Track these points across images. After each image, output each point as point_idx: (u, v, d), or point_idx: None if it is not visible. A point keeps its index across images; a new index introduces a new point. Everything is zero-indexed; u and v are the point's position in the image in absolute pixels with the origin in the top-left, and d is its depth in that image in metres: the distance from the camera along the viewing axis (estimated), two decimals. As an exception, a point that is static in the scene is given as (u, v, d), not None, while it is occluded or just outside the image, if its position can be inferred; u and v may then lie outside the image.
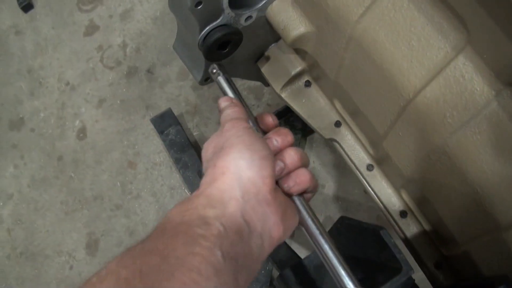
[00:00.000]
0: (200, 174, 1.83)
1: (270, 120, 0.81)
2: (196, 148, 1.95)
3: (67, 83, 2.26)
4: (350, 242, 0.91)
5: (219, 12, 0.91)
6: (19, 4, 2.47)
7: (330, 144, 1.05)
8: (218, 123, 1.97)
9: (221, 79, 0.89)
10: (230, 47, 0.99)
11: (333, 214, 1.80)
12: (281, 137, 0.75)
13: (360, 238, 0.88)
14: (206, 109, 2.05)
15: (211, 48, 0.94)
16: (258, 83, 2.02)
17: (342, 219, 0.93)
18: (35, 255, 2.03)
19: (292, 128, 1.82)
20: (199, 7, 0.86)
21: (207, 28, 0.92)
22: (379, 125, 0.89)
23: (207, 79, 1.09)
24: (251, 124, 0.78)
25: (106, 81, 2.21)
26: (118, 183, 2.04)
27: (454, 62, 0.71)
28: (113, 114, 2.15)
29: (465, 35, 0.70)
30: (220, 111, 0.83)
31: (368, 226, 0.83)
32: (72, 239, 2.01)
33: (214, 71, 0.90)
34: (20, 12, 2.49)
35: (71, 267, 1.97)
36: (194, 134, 2.04)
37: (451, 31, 0.72)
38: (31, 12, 2.49)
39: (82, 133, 2.15)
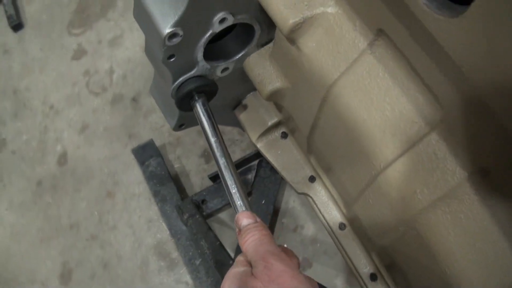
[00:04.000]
0: (179, 212, 1.79)
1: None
2: (176, 181, 1.92)
3: (51, 107, 2.23)
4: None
5: (193, 63, 0.89)
6: (10, 23, 2.45)
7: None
8: (200, 156, 1.93)
9: (199, 108, 0.88)
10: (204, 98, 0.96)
11: (311, 256, 1.76)
12: None
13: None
14: (189, 141, 2.02)
15: (184, 99, 0.91)
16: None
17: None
18: (9, 282, 1.98)
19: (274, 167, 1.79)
20: (171, 60, 0.84)
21: (181, 79, 0.90)
22: (351, 188, 0.87)
23: (181, 125, 1.06)
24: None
25: (90, 107, 2.19)
26: (96, 212, 2.00)
27: (428, 138, 0.69)
28: (95, 141, 2.12)
29: (439, 112, 0.67)
30: (238, 229, 0.76)
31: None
32: (46, 268, 1.97)
33: (197, 98, 0.88)
34: (10, 31, 2.47)
35: (43, 297, 1.93)
36: (175, 166, 2.00)
37: (426, 106, 0.70)
38: (21, 32, 2.47)
39: (63, 158, 2.12)
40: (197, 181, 1.97)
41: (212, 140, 0.87)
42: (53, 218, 2.03)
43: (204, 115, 0.91)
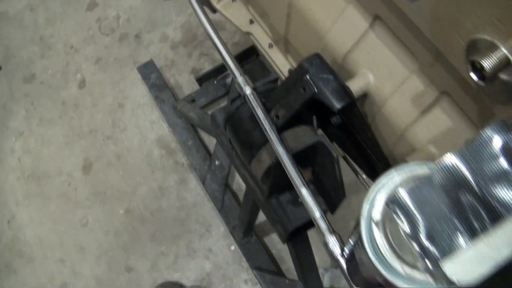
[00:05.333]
0: (175, 109, 2.34)
1: None
2: (171, 90, 2.46)
3: (71, 47, 2.79)
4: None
5: None
6: (34, -13, 3.03)
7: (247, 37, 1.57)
8: (190, 73, 2.47)
9: None
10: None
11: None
12: None
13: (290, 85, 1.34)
14: (181, 62, 2.59)
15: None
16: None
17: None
18: (40, 177, 2.52)
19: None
20: None
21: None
22: (272, 15, 1.41)
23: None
24: None
25: (103, 45, 2.75)
26: (110, 120, 2.54)
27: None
28: (107, 69, 2.67)
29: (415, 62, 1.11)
30: None
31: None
32: (71, 163, 2.50)
33: None
34: (34, -7, 3.05)
35: (69, 184, 2.46)
36: (171, 82, 2.55)
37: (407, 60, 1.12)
38: (43, -7, 3.05)
39: (82, 83, 2.67)
40: (188, 91, 2.51)
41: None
42: (75, 127, 2.58)
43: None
